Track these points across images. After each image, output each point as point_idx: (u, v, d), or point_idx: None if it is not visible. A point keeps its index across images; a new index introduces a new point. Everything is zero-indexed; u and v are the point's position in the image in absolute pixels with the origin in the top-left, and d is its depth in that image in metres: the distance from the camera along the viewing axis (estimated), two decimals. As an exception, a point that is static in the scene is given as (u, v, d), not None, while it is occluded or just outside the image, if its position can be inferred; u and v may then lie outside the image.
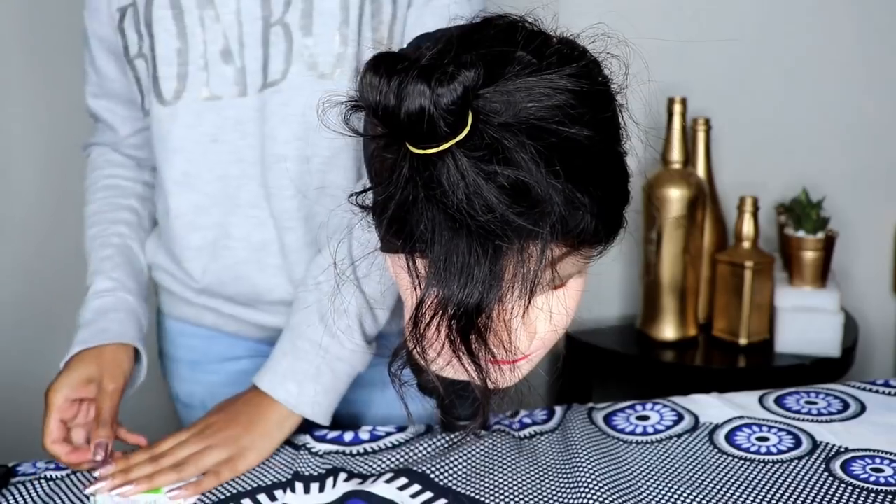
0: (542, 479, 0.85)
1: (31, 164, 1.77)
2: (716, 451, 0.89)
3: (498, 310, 0.57)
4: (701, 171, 1.56)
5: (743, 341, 1.53)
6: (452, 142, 0.52)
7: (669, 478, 0.85)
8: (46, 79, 1.71)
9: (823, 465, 0.85)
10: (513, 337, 0.61)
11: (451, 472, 0.87)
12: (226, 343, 1.09)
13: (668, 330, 1.56)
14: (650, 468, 0.87)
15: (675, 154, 1.49)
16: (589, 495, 0.81)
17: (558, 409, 0.99)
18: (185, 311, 1.08)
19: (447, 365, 0.61)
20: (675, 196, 1.48)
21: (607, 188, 0.59)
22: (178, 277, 1.04)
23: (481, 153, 0.53)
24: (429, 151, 0.53)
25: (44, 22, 1.70)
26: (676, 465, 0.87)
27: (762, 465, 0.86)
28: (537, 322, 0.65)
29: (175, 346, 1.12)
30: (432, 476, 0.86)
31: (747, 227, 1.51)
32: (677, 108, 1.49)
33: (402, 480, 0.85)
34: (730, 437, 0.92)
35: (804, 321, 1.51)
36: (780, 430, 0.93)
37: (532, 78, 0.54)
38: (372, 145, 0.61)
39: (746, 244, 1.51)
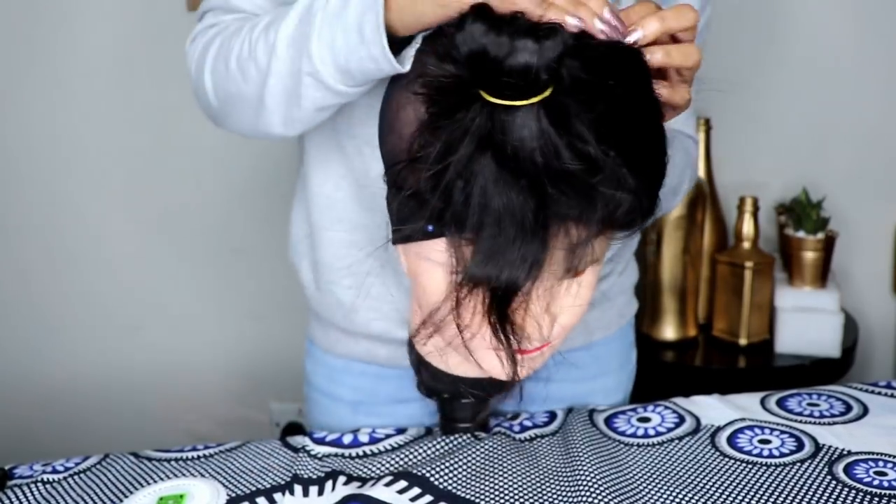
0: (542, 482, 0.85)
1: (30, 164, 1.76)
2: (718, 453, 0.89)
3: (535, 289, 0.59)
4: (701, 171, 1.56)
5: (743, 341, 1.53)
6: (541, 96, 0.53)
7: (671, 480, 0.84)
8: (46, 78, 1.71)
9: (826, 468, 0.85)
10: (542, 322, 0.63)
11: (450, 474, 0.86)
12: (396, 384, 0.97)
13: (668, 330, 1.56)
14: (652, 471, 0.86)
15: (676, 154, 1.49)
16: (590, 498, 0.80)
17: (559, 412, 0.98)
18: (352, 348, 0.98)
19: (462, 362, 0.62)
20: (676, 196, 1.48)
21: (656, 174, 0.60)
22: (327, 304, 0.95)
23: (560, 117, 0.54)
24: (518, 103, 0.53)
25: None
26: (678, 468, 0.86)
27: (764, 467, 0.86)
28: (560, 310, 0.66)
29: (337, 384, 1.01)
30: (432, 479, 0.85)
31: (747, 228, 1.51)
32: (677, 107, 1.48)
33: (402, 483, 0.84)
34: (732, 440, 0.91)
35: (804, 321, 1.51)
36: (783, 432, 0.92)
37: (609, 52, 0.56)
38: (416, 123, 0.60)
39: (746, 244, 1.51)
